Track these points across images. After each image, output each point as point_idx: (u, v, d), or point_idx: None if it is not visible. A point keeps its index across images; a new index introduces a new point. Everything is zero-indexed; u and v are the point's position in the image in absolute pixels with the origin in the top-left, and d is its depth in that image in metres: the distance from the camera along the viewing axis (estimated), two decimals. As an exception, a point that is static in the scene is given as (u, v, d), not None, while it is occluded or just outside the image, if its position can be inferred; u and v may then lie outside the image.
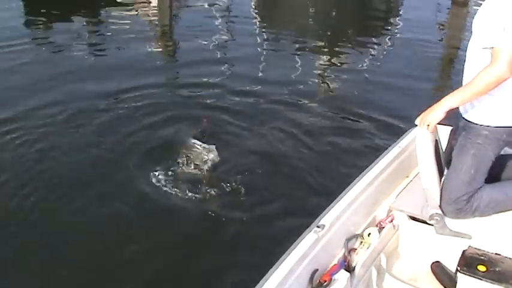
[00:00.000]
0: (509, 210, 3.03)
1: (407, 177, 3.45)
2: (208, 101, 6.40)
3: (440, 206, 3.02)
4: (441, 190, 3.04)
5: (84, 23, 9.49)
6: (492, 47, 2.69)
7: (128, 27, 9.34)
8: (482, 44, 2.76)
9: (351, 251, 2.84)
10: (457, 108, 2.95)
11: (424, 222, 3.04)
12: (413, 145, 3.32)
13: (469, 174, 2.93)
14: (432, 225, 2.99)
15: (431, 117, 2.86)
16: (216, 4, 10.93)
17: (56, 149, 5.18)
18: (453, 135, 3.17)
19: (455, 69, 7.64)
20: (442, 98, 2.86)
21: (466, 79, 2.89)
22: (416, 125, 3.05)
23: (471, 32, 2.88)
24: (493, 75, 2.67)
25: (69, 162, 4.99)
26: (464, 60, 2.93)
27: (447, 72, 7.89)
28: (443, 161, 3.20)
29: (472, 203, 2.96)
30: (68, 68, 7.27)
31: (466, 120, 2.98)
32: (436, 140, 3.12)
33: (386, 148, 3.49)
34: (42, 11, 9.61)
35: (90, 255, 3.81)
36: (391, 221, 3.09)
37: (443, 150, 3.26)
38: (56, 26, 9.22)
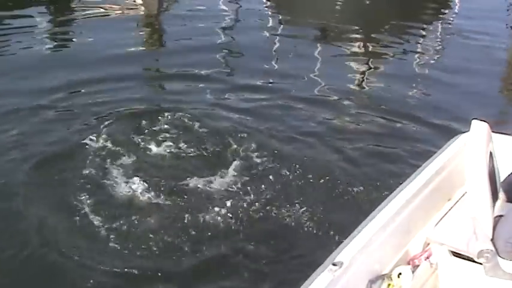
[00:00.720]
0: None
1: (449, 200, 2.99)
2: (206, 97, 5.59)
3: (493, 241, 2.52)
4: (497, 219, 2.54)
5: (53, 11, 8.41)
6: None
7: (104, 10, 8.36)
8: None
9: (375, 296, 2.41)
10: None
11: (471, 259, 2.58)
12: (458, 158, 2.91)
13: None
14: (481, 264, 2.54)
15: None
16: None
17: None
18: None
19: None
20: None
21: None
22: (464, 132, 2.64)
23: None
24: None
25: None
26: None
27: None
28: (501, 181, 2.72)
29: None
30: (34, 57, 6.49)
31: None
32: (491, 153, 2.61)
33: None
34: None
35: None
36: (428, 258, 2.71)
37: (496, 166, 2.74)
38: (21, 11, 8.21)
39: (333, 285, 2.23)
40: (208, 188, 4.21)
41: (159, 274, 3.44)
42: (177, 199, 4.07)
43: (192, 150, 4.68)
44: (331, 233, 3.69)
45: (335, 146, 4.84)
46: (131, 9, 8.76)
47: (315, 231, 3.82)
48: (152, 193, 4.10)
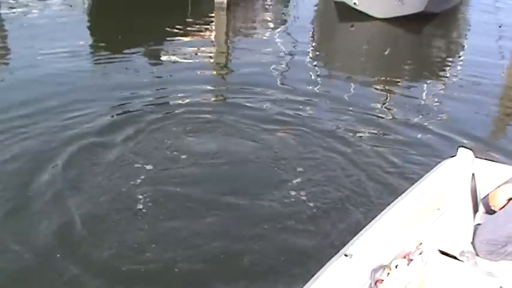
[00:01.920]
0: None
1: (438, 209, 3.36)
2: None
3: (472, 243, 2.97)
4: (476, 227, 2.99)
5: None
6: None
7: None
8: None
9: (377, 282, 2.75)
10: None
11: (455, 257, 2.98)
12: (447, 176, 3.31)
13: None
14: (462, 261, 2.94)
15: (495, 203, 2.97)
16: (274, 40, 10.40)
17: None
18: None
19: (509, 124, 7.35)
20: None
21: None
22: (452, 156, 2.99)
23: None
24: None
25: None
26: None
27: (502, 126, 7.23)
28: (481, 197, 3.16)
29: (507, 247, 2.91)
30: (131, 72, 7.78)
31: None
32: (473, 174, 3.08)
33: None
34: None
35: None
36: (420, 254, 3.00)
37: (477, 185, 3.21)
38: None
39: (344, 272, 2.59)
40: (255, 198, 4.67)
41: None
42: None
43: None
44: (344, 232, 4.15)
45: (356, 163, 5.41)
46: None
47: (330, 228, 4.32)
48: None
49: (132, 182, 4.72)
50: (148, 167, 5.00)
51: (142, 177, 4.82)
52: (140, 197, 4.50)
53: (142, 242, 3.98)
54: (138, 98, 6.69)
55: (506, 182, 3.08)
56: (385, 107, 7.28)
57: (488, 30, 11.71)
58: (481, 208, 3.18)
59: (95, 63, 8.12)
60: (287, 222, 4.36)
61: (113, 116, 6.09)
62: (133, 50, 8.85)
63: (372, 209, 4.39)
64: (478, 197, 3.18)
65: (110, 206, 4.38)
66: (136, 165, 5.01)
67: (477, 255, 2.96)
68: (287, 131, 5.83)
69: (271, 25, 11.36)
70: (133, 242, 3.96)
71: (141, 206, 4.40)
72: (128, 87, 7.07)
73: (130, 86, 7.13)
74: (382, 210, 3.07)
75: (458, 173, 2.98)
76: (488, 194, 3.14)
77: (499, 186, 3.06)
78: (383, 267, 2.83)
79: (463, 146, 3.11)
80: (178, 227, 4.19)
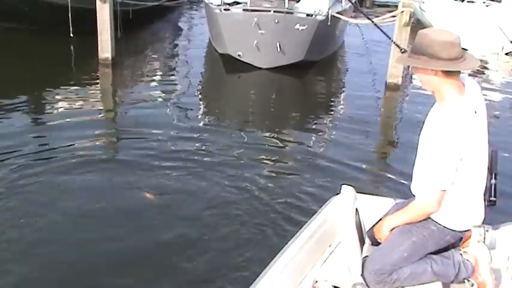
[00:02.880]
0: (427, 283, 3.16)
1: (330, 246, 3.51)
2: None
3: (362, 275, 3.13)
4: (365, 259, 3.17)
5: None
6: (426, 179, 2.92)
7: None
8: (422, 170, 2.97)
9: (278, 325, 2.83)
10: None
11: None
12: (334, 214, 3.49)
13: (401, 255, 3.09)
14: None
15: (380, 235, 3.17)
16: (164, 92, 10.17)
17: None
18: (395, 210, 3.27)
19: (389, 153, 7.95)
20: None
21: (413, 183, 3.09)
22: (336, 194, 3.18)
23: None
24: (423, 212, 2.99)
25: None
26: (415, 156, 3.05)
27: (384, 155, 7.85)
28: (366, 230, 3.36)
29: (392, 276, 3.10)
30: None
31: None
32: (356, 209, 3.29)
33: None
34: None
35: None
36: None
37: (361, 219, 3.42)
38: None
39: None
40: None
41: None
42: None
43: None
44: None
45: (251, 201, 5.67)
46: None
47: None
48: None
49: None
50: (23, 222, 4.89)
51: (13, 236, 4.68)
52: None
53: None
54: (17, 148, 6.53)
55: (386, 214, 3.33)
56: (275, 146, 7.60)
57: (363, 69, 12.72)
58: (367, 241, 3.38)
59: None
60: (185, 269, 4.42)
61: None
62: (13, 101, 8.57)
63: (274, 247, 4.48)
64: (364, 230, 3.39)
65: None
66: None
67: (368, 286, 3.11)
68: (154, 194, 5.75)
69: (160, 77, 11.40)
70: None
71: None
72: (6, 138, 6.86)
73: (9, 137, 6.93)
74: (277, 252, 3.15)
75: (343, 209, 3.16)
76: (372, 227, 3.37)
77: (381, 219, 3.31)
78: None
79: (345, 184, 3.32)
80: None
